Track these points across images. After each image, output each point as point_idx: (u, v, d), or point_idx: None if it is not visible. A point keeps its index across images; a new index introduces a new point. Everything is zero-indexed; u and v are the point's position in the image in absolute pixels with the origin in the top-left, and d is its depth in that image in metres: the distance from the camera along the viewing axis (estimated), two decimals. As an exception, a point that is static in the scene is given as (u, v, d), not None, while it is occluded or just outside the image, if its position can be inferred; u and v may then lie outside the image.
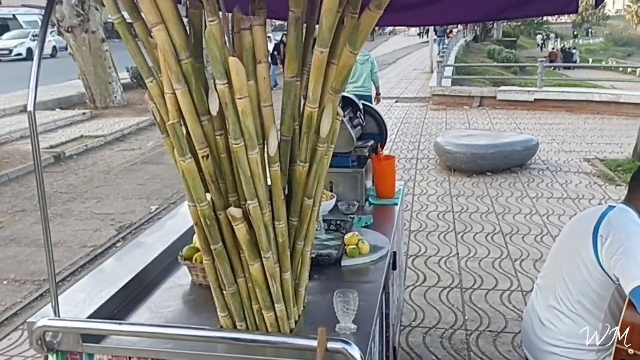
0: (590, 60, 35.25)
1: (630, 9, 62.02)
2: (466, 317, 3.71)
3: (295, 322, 1.75)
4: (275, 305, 1.66)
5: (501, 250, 4.81)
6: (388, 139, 10.68)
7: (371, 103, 8.36)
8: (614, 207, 2.06)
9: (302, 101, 1.59)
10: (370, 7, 1.38)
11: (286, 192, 1.65)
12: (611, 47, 47.42)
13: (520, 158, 7.52)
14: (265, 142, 1.54)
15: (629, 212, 2.02)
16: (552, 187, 6.67)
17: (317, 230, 2.40)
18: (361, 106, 3.15)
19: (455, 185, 6.87)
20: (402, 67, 24.06)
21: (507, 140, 7.60)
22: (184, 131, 1.49)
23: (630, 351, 1.82)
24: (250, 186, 1.52)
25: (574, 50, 33.71)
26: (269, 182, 1.56)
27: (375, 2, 1.37)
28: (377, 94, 8.24)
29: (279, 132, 1.57)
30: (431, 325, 3.62)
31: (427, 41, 26.44)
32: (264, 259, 1.58)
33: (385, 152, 3.26)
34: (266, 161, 1.56)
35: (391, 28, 47.48)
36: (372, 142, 3.11)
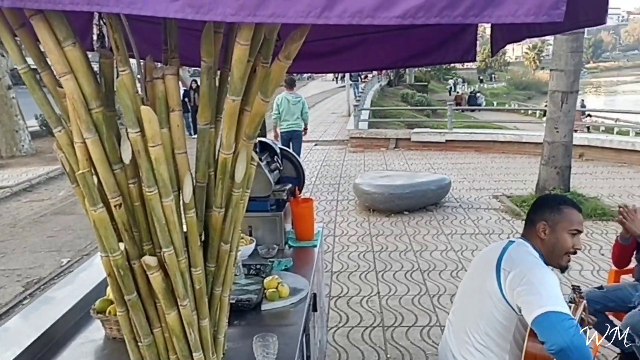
0: (495, 103, 37.64)
1: (528, 55, 67.15)
2: (388, 356, 3.76)
3: (215, 370, 1.72)
4: (194, 355, 1.63)
5: (420, 287, 4.95)
6: (308, 182, 10.70)
7: (301, 136, 9.85)
8: (513, 242, 2.20)
9: (217, 148, 1.61)
10: (279, 57, 1.44)
11: (203, 238, 1.65)
12: (513, 91, 50.86)
13: (435, 197, 7.83)
14: (180, 189, 1.54)
15: (527, 247, 2.17)
16: (465, 223, 6.98)
17: (236, 275, 2.39)
18: (278, 151, 3.20)
19: (374, 225, 7.04)
20: (321, 111, 24.61)
21: (422, 180, 7.90)
22: (95, 180, 1.47)
23: (536, 379, 1.92)
24: (165, 234, 1.51)
25: (477, 94, 35.96)
26: (185, 229, 1.56)
27: (284, 53, 1.43)
28: (305, 128, 9.96)
29: (194, 179, 1.58)
30: (355, 366, 3.64)
31: (344, 86, 27.30)
32: (180, 307, 1.56)
33: (306, 194, 3.31)
34: (181, 208, 1.56)
35: (309, 74, 48.64)
36: (290, 185, 3.16)
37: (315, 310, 2.57)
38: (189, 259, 1.57)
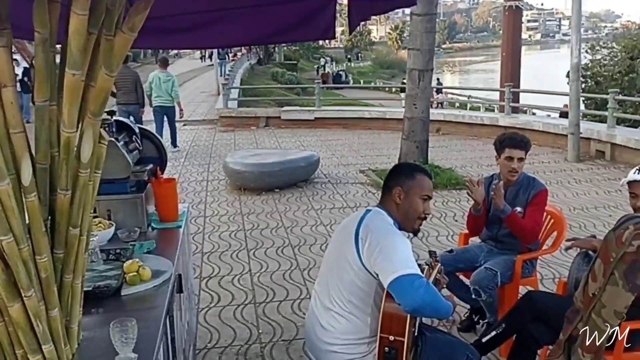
0: (362, 81, 39.00)
1: (390, 35, 70.05)
2: (260, 331, 3.81)
3: (69, 361, 1.64)
4: (43, 347, 1.53)
5: (291, 262, 5.05)
6: (177, 163, 10.39)
7: (175, 113, 10.39)
8: (370, 210, 2.32)
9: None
10: (123, 29, 1.38)
11: (49, 223, 1.54)
12: (378, 70, 52.93)
13: (305, 173, 7.99)
14: (18, 172, 1.42)
15: (382, 214, 2.29)
16: (334, 198, 7.22)
17: (93, 261, 2.28)
18: (137, 130, 3.07)
19: (245, 203, 7.04)
20: (189, 90, 23.92)
21: (292, 157, 8.02)
22: None
23: (391, 338, 2.06)
24: (2, 221, 1.39)
25: (342, 72, 37.12)
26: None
27: (128, 24, 1.37)
28: (180, 109, 10.64)
29: (35, 160, 1.46)
30: (227, 344, 3.64)
31: (212, 64, 26.70)
32: (25, 298, 1.46)
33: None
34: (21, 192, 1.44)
35: (176, 51, 46.91)
36: (151, 165, 3.05)
37: (180, 291, 2.53)
38: (33, 247, 1.47)
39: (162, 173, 3.09)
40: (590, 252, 2.74)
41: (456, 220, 6.13)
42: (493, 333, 2.77)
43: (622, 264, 1.45)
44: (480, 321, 3.64)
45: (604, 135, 9.33)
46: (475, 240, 3.78)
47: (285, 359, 3.47)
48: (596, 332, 1.52)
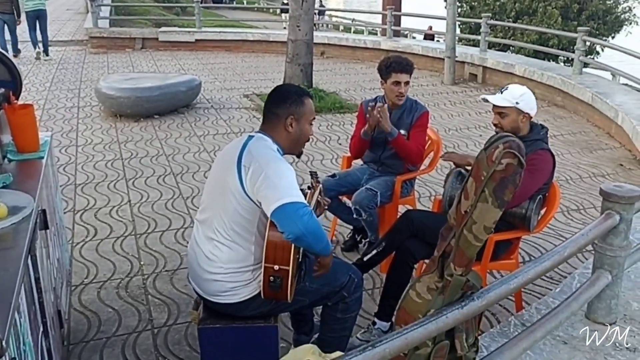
0: (245, 1, 37.53)
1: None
2: (142, 263, 3.68)
3: None
4: None
5: (173, 191, 4.88)
6: (42, 87, 9.56)
7: (47, 17, 11.07)
8: (253, 137, 2.23)
9: None
10: None
11: None
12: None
13: (186, 98, 7.64)
14: None
15: (266, 140, 2.21)
16: (217, 124, 7.00)
17: None
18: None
19: (122, 131, 6.63)
20: (53, 7, 21.61)
21: (171, 82, 7.60)
22: None
23: (276, 267, 2.04)
24: None
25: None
26: None
27: None
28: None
29: None
30: (106, 279, 3.48)
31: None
32: None
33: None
34: None
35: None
36: (2, 90, 2.70)
37: (46, 228, 2.32)
38: None
39: (17, 98, 2.75)
40: (463, 171, 2.88)
41: (340, 144, 6.21)
42: (374, 251, 2.86)
43: (492, 182, 1.51)
44: (363, 240, 3.77)
45: (477, 59, 9.78)
46: (357, 162, 3.84)
47: (169, 289, 3.39)
48: (467, 246, 1.59)
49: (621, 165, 5.72)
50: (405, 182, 3.55)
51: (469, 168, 2.82)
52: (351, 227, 3.83)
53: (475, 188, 1.54)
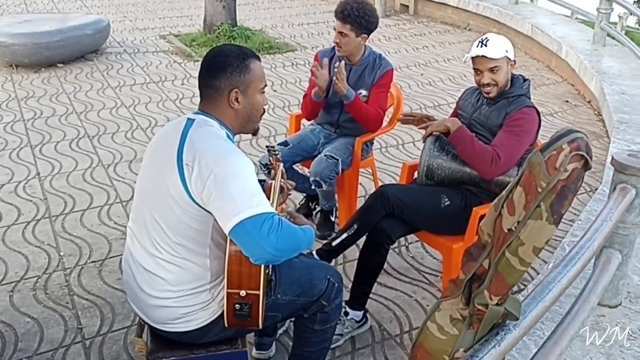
0: None
1: None
2: (62, 253, 3.10)
3: None
4: None
5: (90, 158, 4.21)
6: None
7: None
8: (193, 120, 1.70)
9: None
10: None
11: None
12: None
13: (94, 43, 6.73)
14: None
15: (211, 125, 1.70)
16: (134, 72, 6.22)
17: None
18: None
19: (21, 85, 5.73)
20: None
21: (74, 24, 6.61)
22: None
23: (242, 292, 1.59)
24: None
25: None
26: None
27: None
28: None
29: None
30: (18, 278, 2.89)
31: None
32: None
33: None
34: None
35: None
36: None
37: None
38: None
39: None
40: (441, 135, 2.49)
41: (275, 91, 5.67)
42: (344, 235, 2.46)
43: (551, 194, 1.12)
44: (317, 207, 3.37)
45: (408, -11, 9.29)
46: (306, 124, 3.37)
47: (98, 285, 2.86)
48: (509, 272, 1.21)
49: (567, 102, 5.57)
50: (365, 143, 3.14)
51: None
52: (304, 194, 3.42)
53: (526, 202, 1.15)
